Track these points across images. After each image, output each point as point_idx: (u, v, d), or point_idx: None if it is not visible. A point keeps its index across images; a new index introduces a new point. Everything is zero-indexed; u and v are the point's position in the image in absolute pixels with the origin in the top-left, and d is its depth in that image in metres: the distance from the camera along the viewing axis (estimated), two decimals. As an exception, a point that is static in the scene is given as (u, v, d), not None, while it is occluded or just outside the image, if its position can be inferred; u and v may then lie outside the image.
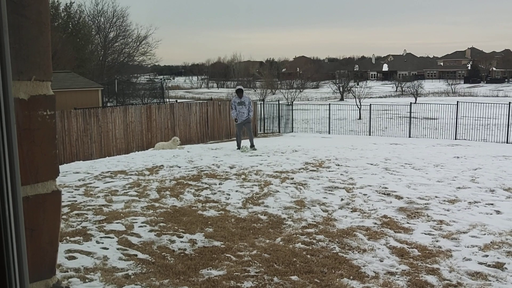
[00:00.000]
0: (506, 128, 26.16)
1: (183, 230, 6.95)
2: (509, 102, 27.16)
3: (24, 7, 1.00)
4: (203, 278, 5.29)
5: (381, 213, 7.91)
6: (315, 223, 7.43)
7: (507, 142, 25.17)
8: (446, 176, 10.81)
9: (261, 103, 33.69)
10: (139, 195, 8.92)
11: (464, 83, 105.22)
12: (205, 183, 9.97)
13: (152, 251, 6.14)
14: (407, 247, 6.35)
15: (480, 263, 5.81)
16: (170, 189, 9.46)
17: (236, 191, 9.34)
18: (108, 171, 11.40)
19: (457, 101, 29.79)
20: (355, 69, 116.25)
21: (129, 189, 9.39)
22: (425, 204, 8.40)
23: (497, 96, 69.09)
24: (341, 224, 7.35)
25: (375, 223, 7.38)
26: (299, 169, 11.55)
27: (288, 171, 11.32)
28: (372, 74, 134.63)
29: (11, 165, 0.92)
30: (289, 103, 35.84)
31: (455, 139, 26.87)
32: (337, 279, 5.29)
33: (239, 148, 16.01)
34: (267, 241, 6.59)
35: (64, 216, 7.43)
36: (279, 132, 32.16)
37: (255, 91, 78.27)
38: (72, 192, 9.14)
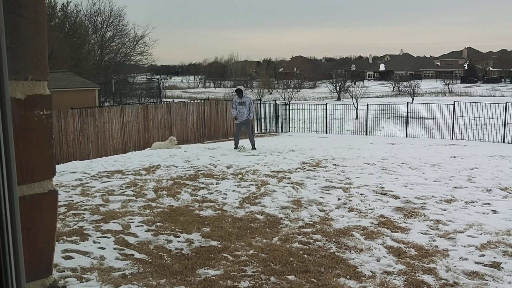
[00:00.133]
0: (503, 128, 26.20)
1: (180, 230, 6.95)
2: (506, 102, 27.21)
3: (21, 7, 0.99)
4: (200, 278, 5.29)
5: (378, 212, 7.92)
6: (312, 222, 7.43)
7: (503, 142, 25.21)
8: (443, 175, 10.83)
9: (258, 103, 33.67)
10: (136, 195, 8.91)
11: (461, 83, 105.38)
12: (202, 183, 9.96)
13: (149, 251, 6.13)
14: (404, 247, 6.36)
15: (477, 263, 5.82)
16: (167, 188, 9.45)
17: (233, 190, 9.34)
18: (105, 171, 11.38)
19: (454, 101, 29.82)
20: (352, 69, 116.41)
21: (126, 189, 9.38)
22: (422, 203, 8.42)
23: (493, 96, 69.22)
24: (338, 224, 7.35)
25: (372, 223, 7.39)
26: (296, 169, 11.56)
27: (285, 170, 11.33)
28: (369, 74, 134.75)
29: (8, 165, 0.92)
30: (286, 103, 35.87)
31: (452, 139, 26.90)
32: (334, 279, 5.29)
33: (236, 147, 15.98)
34: (264, 240, 6.60)
35: (61, 216, 7.41)
36: (276, 132, 32.15)
37: (252, 90, 78.24)
38: (69, 192, 9.12)
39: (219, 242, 6.47)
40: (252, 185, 9.77)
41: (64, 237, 6.40)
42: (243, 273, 5.42)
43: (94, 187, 9.57)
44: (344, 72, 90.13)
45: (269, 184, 9.85)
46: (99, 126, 22.29)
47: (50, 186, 1.09)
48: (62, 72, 35.38)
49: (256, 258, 5.89)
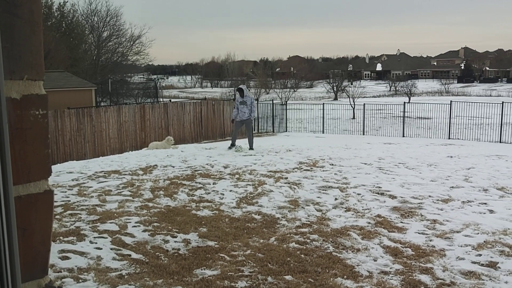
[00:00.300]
0: (499, 127, 26.25)
1: (177, 230, 6.94)
2: (502, 102, 27.27)
3: (17, 7, 0.99)
4: (197, 278, 5.29)
5: (375, 212, 7.93)
6: (309, 222, 7.44)
7: (500, 142, 25.26)
8: (440, 175, 10.85)
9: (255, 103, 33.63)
10: (133, 195, 8.90)
11: (458, 82, 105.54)
12: (199, 183, 9.96)
13: (146, 251, 6.12)
14: (401, 247, 6.37)
15: (474, 262, 5.83)
16: (164, 189, 9.44)
17: (230, 190, 9.33)
18: (102, 171, 11.36)
19: (451, 101, 29.87)
20: (349, 69, 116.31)
21: (122, 189, 9.37)
22: (419, 203, 8.43)
23: (490, 95, 69.30)
24: (335, 224, 7.36)
25: (369, 223, 7.39)
26: (293, 169, 11.56)
27: (282, 170, 11.33)
28: (365, 74, 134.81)
29: (3, 165, 0.92)
30: (283, 103, 35.85)
31: (449, 138, 26.95)
32: (331, 279, 5.29)
33: (233, 145, 15.92)
34: (261, 240, 6.59)
35: (57, 216, 7.40)
36: (273, 131, 32.16)
37: (249, 90, 78.18)
38: (66, 192, 9.11)
39: (216, 242, 6.47)
40: (249, 185, 9.77)
41: (61, 238, 6.39)
42: (240, 273, 5.42)
43: (91, 187, 9.55)
44: (341, 72, 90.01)
45: (266, 184, 9.85)
46: (96, 126, 22.26)
47: (46, 186, 1.08)
48: (58, 72, 35.32)
49: (253, 258, 5.88)
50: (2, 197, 0.91)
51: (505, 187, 9.65)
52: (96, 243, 6.28)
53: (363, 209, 8.14)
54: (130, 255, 5.93)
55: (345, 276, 5.38)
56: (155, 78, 72.08)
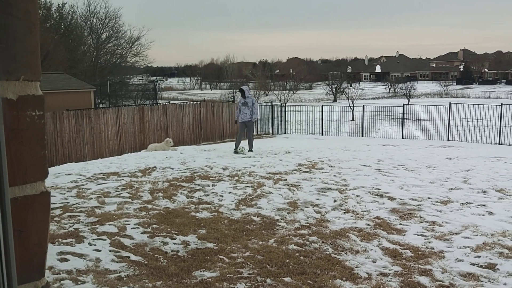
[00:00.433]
0: (498, 129, 26.26)
1: (176, 232, 6.93)
2: (501, 104, 27.29)
3: (12, 6, 0.98)
4: (196, 280, 5.28)
5: (374, 214, 7.93)
6: (308, 224, 7.43)
7: (499, 144, 25.27)
8: (439, 177, 10.85)
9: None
10: (132, 197, 8.89)
11: (457, 84, 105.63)
12: (198, 185, 9.95)
13: (145, 253, 6.11)
14: (400, 248, 6.36)
15: (472, 264, 5.82)
16: (163, 190, 9.44)
17: (229, 192, 9.33)
18: (101, 173, 11.36)
19: (450, 103, 29.88)
20: (348, 71, 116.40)
21: (121, 191, 9.36)
22: (418, 205, 8.42)
23: (489, 97, 69.41)
24: (334, 226, 7.35)
25: (368, 224, 7.39)
26: (292, 171, 11.56)
27: (281, 172, 11.33)
28: (365, 76, 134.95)
29: (-1, 166, 0.91)
30: (282, 105, 35.86)
31: (448, 140, 26.95)
32: (330, 281, 5.29)
33: (236, 149, 15.88)
34: (260, 242, 6.59)
35: (56, 218, 7.39)
36: (272, 133, 32.15)
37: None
38: (64, 194, 9.10)
39: (215, 244, 6.46)
40: (248, 187, 9.77)
41: (60, 239, 6.38)
42: (239, 275, 5.41)
43: (89, 189, 9.54)
44: (340, 74, 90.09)
45: (265, 186, 9.85)
46: (95, 127, 22.24)
47: (43, 187, 1.08)
48: (57, 74, 35.31)
49: (252, 260, 5.88)
50: (-2, 199, 0.90)
51: (504, 189, 9.65)
52: (95, 245, 6.27)
53: (362, 211, 8.13)
54: (129, 257, 5.93)
55: (344, 278, 5.37)
56: (154, 80, 72.05)
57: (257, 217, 7.79)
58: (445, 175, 11.06)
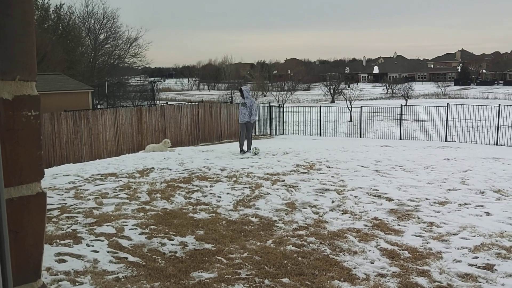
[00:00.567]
0: (496, 130, 26.29)
1: (174, 233, 6.92)
2: (499, 104, 27.31)
3: (8, 6, 0.98)
4: (194, 281, 5.27)
5: (372, 215, 7.93)
6: (306, 225, 7.43)
7: (497, 144, 25.30)
8: (437, 178, 10.85)
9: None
10: (130, 198, 8.88)
11: (454, 85, 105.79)
12: (196, 186, 9.94)
13: (143, 254, 6.11)
14: (398, 249, 6.36)
15: (470, 265, 5.83)
16: (161, 191, 9.43)
17: (227, 193, 9.32)
18: (99, 174, 11.34)
19: (447, 103, 29.90)
20: (346, 71, 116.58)
21: (119, 192, 9.35)
22: (416, 206, 8.43)
23: (487, 98, 69.53)
24: (332, 226, 7.35)
25: (366, 225, 7.39)
26: (290, 171, 11.56)
27: (279, 173, 11.33)
28: (363, 76, 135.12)
29: (-5, 167, 0.91)
30: (280, 105, 35.85)
31: (446, 141, 26.97)
32: (328, 281, 5.28)
33: (241, 150, 15.90)
34: (258, 243, 6.58)
35: (54, 219, 7.38)
36: (270, 134, 32.14)
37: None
38: (62, 194, 9.08)
39: (213, 245, 6.46)
40: (246, 187, 9.76)
41: (58, 240, 6.37)
42: (237, 276, 5.40)
43: (87, 190, 9.53)
44: (338, 75, 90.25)
45: (263, 186, 9.84)
46: (93, 128, 22.21)
47: (39, 188, 1.07)
48: (55, 75, 35.27)
49: (250, 261, 5.87)
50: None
51: (502, 190, 9.66)
52: (92, 246, 6.26)
53: (360, 212, 8.13)
54: (127, 258, 5.92)
55: (342, 279, 5.37)
56: (152, 81, 72.02)
57: (255, 218, 7.79)
58: (443, 176, 11.07)
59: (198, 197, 9.07)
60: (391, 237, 6.84)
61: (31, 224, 1.05)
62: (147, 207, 8.28)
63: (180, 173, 11.31)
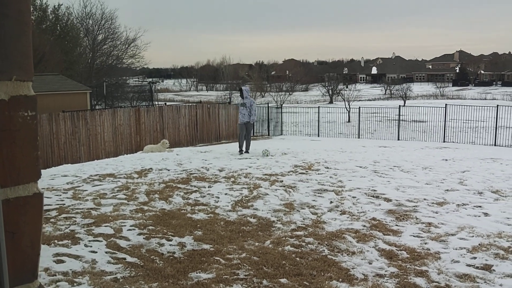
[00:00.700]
0: (494, 130, 26.32)
1: (172, 233, 6.92)
2: (497, 105, 27.34)
3: (5, 6, 0.98)
4: (192, 281, 5.27)
5: (370, 215, 7.93)
6: (304, 225, 7.43)
7: (495, 145, 25.32)
8: (435, 178, 10.86)
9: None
10: (128, 198, 8.87)
11: (453, 86, 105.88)
12: (194, 186, 9.94)
13: (141, 254, 6.10)
14: (396, 250, 6.36)
15: (468, 265, 5.83)
16: (159, 192, 9.42)
17: (226, 194, 9.32)
18: (97, 174, 11.33)
19: (446, 104, 29.94)
20: (344, 72, 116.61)
21: (117, 192, 9.34)
22: (414, 206, 8.43)
23: (485, 99, 69.56)
24: (330, 227, 7.35)
25: (364, 226, 7.39)
26: (289, 172, 11.56)
27: (277, 174, 11.32)
28: (361, 77, 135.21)
29: (-8, 167, 0.90)
30: (279, 106, 35.87)
31: (444, 141, 27.00)
32: (326, 282, 5.28)
33: (240, 150, 15.92)
34: (256, 244, 6.58)
35: (52, 220, 7.37)
36: (268, 135, 32.14)
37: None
38: (60, 195, 9.07)
39: (211, 246, 6.45)
40: (245, 188, 9.76)
41: (56, 241, 6.36)
42: (235, 277, 5.40)
43: (85, 190, 9.52)
44: (336, 75, 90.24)
45: (261, 187, 9.84)
46: (91, 129, 22.19)
47: (35, 189, 1.07)
48: (53, 75, 35.21)
49: (248, 261, 5.87)
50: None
51: (500, 190, 9.66)
52: (91, 246, 6.26)
53: (358, 212, 8.13)
54: (125, 259, 5.91)
55: (340, 279, 5.37)
56: (150, 82, 71.96)
57: (253, 218, 7.79)
58: (441, 177, 11.07)
59: (196, 197, 9.06)
60: (389, 238, 6.84)
61: (28, 225, 1.05)
62: (145, 207, 8.27)
63: (178, 174, 11.30)
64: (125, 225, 7.18)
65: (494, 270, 5.67)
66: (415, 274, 5.56)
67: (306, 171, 11.66)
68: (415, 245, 6.55)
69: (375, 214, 8.01)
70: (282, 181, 10.40)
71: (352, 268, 5.71)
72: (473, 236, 6.86)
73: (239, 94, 16.42)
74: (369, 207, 8.40)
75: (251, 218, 7.80)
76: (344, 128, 34.97)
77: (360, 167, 12.41)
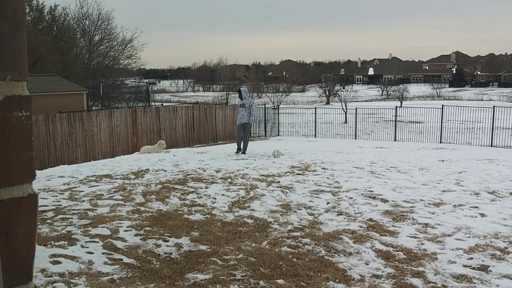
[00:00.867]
0: (491, 131, 26.37)
1: (169, 234, 6.91)
2: (494, 106, 27.40)
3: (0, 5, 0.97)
4: (189, 282, 5.26)
5: (367, 216, 7.93)
6: (301, 226, 7.42)
7: (491, 146, 25.38)
8: (431, 179, 10.87)
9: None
10: (125, 199, 8.86)
11: (449, 87, 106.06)
12: (191, 187, 9.93)
13: (138, 255, 6.09)
14: (393, 250, 6.36)
15: (465, 266, 5.83)
16: (156, 193, 9.41)
17: (222, 195, 9.31)
18: (93, 175, 11.31)
19: (442, 105, 29.99)
20: (341, 73, 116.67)
21: (114, 193, 9.32)
22: (410, 207, 8.43)
23: (481, 100, 69.71)
24: (327, 228, 7.35)
25: (361, 227, 7.39)
26: (285, 173, 11.55)
27: (274, 174, 11.32)
28: (358, 78, 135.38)
29: (-14, 168, 0.90)
30: (275, 107, 35.87)
31: (440, 142, 27.04)
32: (323, 283, 5.28)
33: (238, 150, 15.94)
34: (253, 244, 6.57)
35: (48, 221, 7.35)
36: (265, 135, 32.15)
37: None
38: (57, 196, 9.05)
39: (208, 246, 6.44)
40: (241, 189, 9.75)
41: (52, 242, 6.34)
42: (232, 277, 5.39)
43: (82, 191, 9.50)
44: (333, 76, 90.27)
45: (258, 188, 9.83)
46: (87, 130, 22.17)
47: (30, 189, 1.06)
48: (50, 76, 35.17)
49: (245, 262, 5.86)
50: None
51: (496, 191, 9.68)
52: (87, 247, 6.24)
53: (355, 213, 8.13)
54: (121, 260, 5.90)
55: (337, 280, 5.36)
56: (146, 82, 71.86)
57: (250, 219, 7.78)
58: (438, 177, 11.08)
59: (193, 198, 9.05)
60: (386, 238, 6.84)
61: (22, 226, 1.04)
62: (142, 208, 8.26)
63: (175, 175, 11.29)
64: (121, 226, 7.17)
65: (490, 270, 5.67)
66: (412, 274, 5.56)
67: (303, 172, 11.66)
68: (411, 245, 6.55)
69: (372, 214, 8.01)
70: (279, 182, 10.40)
71: (349, 269, 5.71)
72: (469, 237, 6.87)
73: (237, 96, 16.40)
74: (366, 208, 8.41)
75: (248, 219, 7.80)
76: (341, 129, 34.99)
77: (357, 168, 12.41)
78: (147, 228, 7.13)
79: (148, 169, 12.10)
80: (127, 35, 78.59)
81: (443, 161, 14.46)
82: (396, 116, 30.90)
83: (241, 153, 15.90)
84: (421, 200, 8.90)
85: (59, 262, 5.65)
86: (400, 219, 7.77)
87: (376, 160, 14.02)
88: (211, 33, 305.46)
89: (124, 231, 6.98)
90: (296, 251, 6.29)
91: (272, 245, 6.52)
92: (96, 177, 11.03)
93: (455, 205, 8.55)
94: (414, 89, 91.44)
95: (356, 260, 6.03)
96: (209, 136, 28.21)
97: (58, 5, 54.38)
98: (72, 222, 7.33)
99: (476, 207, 8.47)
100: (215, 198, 9.03)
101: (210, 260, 5.93)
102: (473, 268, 5.75)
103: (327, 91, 73.28)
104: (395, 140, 29.00)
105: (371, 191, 9.56)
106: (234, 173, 11.45)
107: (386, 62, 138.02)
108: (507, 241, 6.66)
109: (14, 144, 1.02)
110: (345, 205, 8.58)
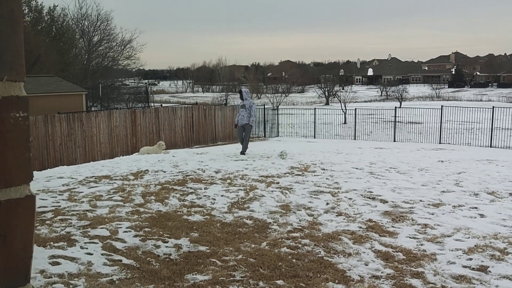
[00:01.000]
0: (490, 132, 26.37)
1: (168, 235, 6.90)
2: (493, 107, 27.40)
3: (-4, 5, 0.97)
4: (188, 283, 5.26)
5: (366, 217, 7.92)
6: (300, 227, 7.42)
7: (490, 146, 25.38)
8: (431, 180, 10.87)
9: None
10: (124, 200, 8.85)
11: (449, 87, 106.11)
12: (190, 188, 9.92)
13: (137, 256, 6.08)
14: (392, 251, 6.36)
15: (464, 267, 5.83)
16: (155, 194, 9.40)
17: (222, 195, 9.30)
18: (93, 176, 11.30)
19: (441, 106, 29.99)
20: (340, 74, 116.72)
21: (113, 194, 9.32)
22: (410, 208, 8.43)
23: (481, 100, 69.70)
24: (327, 228, 7.34)
25: (360, 227, 7.38)
26: (285, 174, 11.55)
27: (273, 175, 11.31)
28: (357, 79, 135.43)
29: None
30: (275, 108, 35.88)
31: (440, 143, 27.04)
32: (323, 283, 5.27)
33: (243, 151, 15.97)
34: (253, 245, 6.57)
35: (47, 222, 7.35)
36: (264, 136, 32.15)
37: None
38: (56, 197, 9.04)
39: (207, 247, 6.44)
40: (241, 190, 9.75)
41: (51, 243, 6.34)
42: (231, 278, 5.39)
43: (81, 192, 9.49)
44: (332, 77, 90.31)
45: (257, 189, 9.83)
46: (87, 131, 22.16)
47: (27, 191, 1.05)
48: (49, 77, 35.15)
49: (244, 263, 5.86)
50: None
51: (496, 192, 9.67)
52: (87, 248, 6.24)
53: (354, 214, 8.13)
54: (121, 261, 5.89)
55: (336, 281, 5.36)
56: (146, 83, 71.87)
57: (250, 220, 7.77)
58: (437, 178, 11.08)
59: (193, 199, 9.04)
60: (386, 239, 6.84)
61: (20, 228, 1.04)
62: (141, 209, 8.25)
63: (174, 176, 11.28)
64: (121, 227, 7.16)
65: (490, 271, 5.67)
66: (411, 275, 5.56)
67: (302, 173, 11.66)
68: (411, 246, 6.55)
69: (371, 215, 8.01)
70: (278, 183, 10.39)
71: (349, 270, 5.70)
72: (469, 238, 6.87)
73: (238, 96, 16.38)
74: (365, 209, 8.40)
75: (247, 219, 7.79)
76: (340, 130, 35.00)
77: (356, 168, 12.41)
78: (146, 229, 7.13)
79: (147, 170, 12.09)
80: (126, 35, 78.76)
81: (442, 161, 14.47)
82: (395, 116, 30.90)
83: (240, 154, 15.90)
84: (421, 200, 8.90)
85: (58, 263, 5.65)
86: (399, 220, 7.77)
87: (375, 161, 14.02)
88: (211, 33, 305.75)
89: (123, 232, 6.97)
90: (296, 252, 6.29)
91: (272, 246, 6.52)
92: (95, 178, 11.02)
93: (454, 206, 8.55)
94: (413, 89, 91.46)
95: (356, 260, 6.02)
96: (209, 137, 28.20)
97: (57, 5, 54.39)
98: (71, 223, 7.32)
99: (476, 207, 8.47)
100: (215, 199, 9.02)
101: (209, 261, 5.93)
102: (473, 269, 5.75)
103: (326, 92, 73.29)
104: (394, 141, 29.00)
105: (371, 192, 9.56)
106: (233, 174, 11.45)
107: (386, 63, 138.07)
108: (506, 242, 6.66)
109: (11, 145, 1.01)
110: (344, 206, 8.58)
